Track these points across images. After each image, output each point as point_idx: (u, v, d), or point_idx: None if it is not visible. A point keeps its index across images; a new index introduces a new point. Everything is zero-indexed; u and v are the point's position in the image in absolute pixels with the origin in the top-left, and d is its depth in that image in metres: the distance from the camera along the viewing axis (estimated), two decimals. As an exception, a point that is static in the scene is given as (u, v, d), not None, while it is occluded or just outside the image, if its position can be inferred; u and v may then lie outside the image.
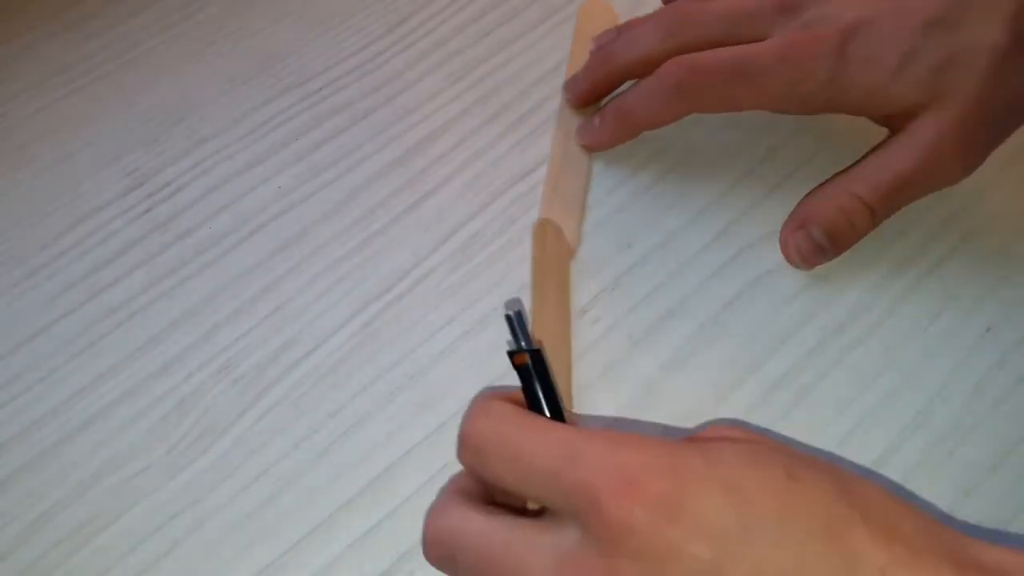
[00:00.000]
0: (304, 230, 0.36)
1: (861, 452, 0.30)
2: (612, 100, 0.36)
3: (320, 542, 0.29)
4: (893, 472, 0.29)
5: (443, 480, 0.30)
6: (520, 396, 0.26)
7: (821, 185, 0.33)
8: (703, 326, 0.33)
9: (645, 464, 0.21)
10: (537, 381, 0.25)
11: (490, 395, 0.25)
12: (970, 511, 0.28)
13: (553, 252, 0.34)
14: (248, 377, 0.32)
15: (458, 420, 0.31)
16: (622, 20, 0.39)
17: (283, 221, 0.36)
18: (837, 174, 0.33)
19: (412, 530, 0.29)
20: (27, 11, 0.44)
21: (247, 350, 0.33)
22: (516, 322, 0.26)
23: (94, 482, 0.30)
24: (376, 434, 0.31)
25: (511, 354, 0.26)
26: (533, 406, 0.25)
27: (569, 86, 0.38)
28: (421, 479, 0.30)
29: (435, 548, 0.23)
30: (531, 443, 0.22)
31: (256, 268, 0.35)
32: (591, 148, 0.37)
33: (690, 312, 0.33)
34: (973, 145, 0.31)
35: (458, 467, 0.30)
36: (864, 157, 0.32)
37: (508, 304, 0.32)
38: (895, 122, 0.32)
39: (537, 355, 0.26)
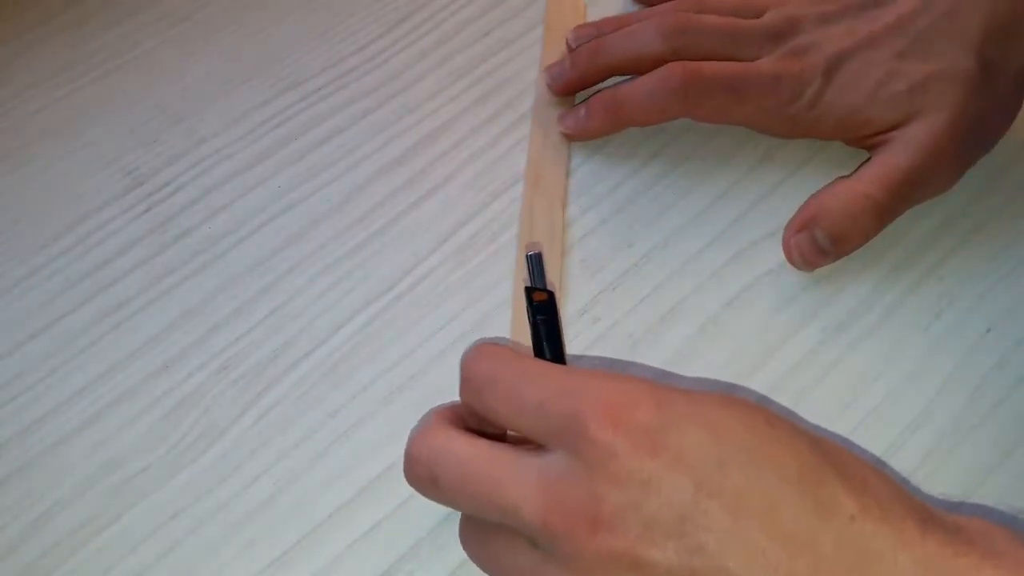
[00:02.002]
0: (304, 230, 0.36)
1: (862, 452, 0.30)
2: (600, 92, 0.36)
3: (320, 542, 0.29)
4: (893, 472, 0.29)
5: (443, 480, 0.30)
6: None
7: (825, 187, 0.33)
8: (703, 326, 0.33)
9: (632, 397, 0.22)
10: (543, 327, 0.27)
11: (490, 341, 0.26)
12: (970, 511, 0.28)
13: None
14: (248, 377, 0.32)
15: (458, 420, 0.31)
16: (589, 11, 0.41)
17: (283, 221, 0.36)
18: (839, 178, 0.33)
19: (412, 530, 0.29)
20: (27, 11, 0.44)
21: (247, 350, 0.33)
22: (536, 263, 0.28)
23: (94, 482, 0.30)
24: (376, 434, 0.31)
25: (529, 291, 0.27)
26: (538, 346, 0.27)
27: (554, 74, 0.38)
28: (421, 479, 0.30)
29: (417, 467, 0.24)
30: (529, 381, 0.23)
31: (255, 268, 0.35)
32: (573, 137, 0.37)
33: (690, 312, 0.33)
34: (963, 147, 0.33)
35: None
36: (863, 164, 0.33)
37: (529, 246, 0.33)
38: (872, 142, 0.34)
39: (551, 298, 0.27)
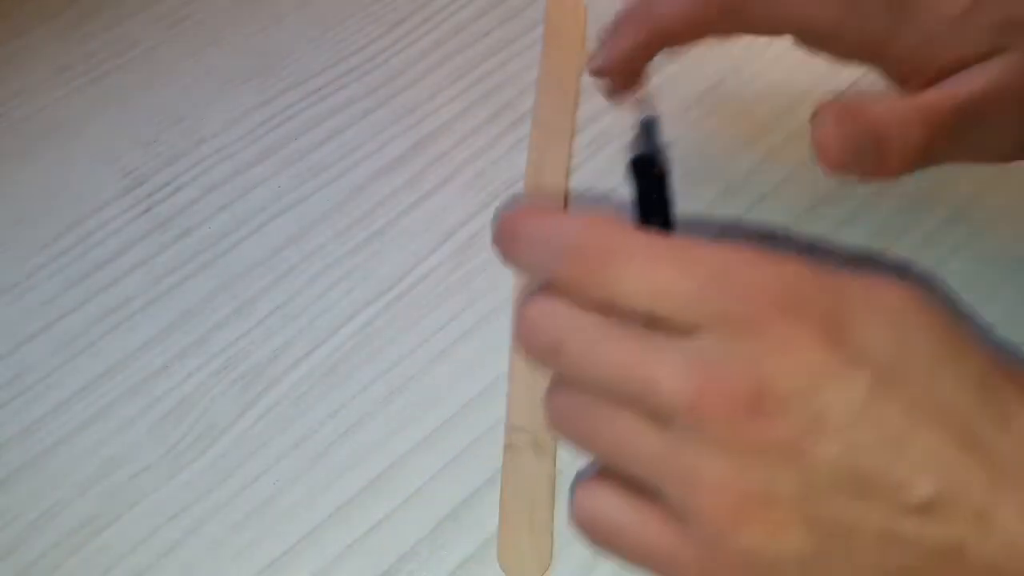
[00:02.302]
0: (303, 230, 0.36)
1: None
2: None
3: (320, 542, 0.29)
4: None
5: (443, 480, 0.30)
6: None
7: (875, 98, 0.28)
8: (703, 326, 0.33)
9: (807, 283, 0.20)
10: (656, 191, 0.24)
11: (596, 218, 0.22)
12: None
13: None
14: (248, 377, 0.32)
15: (458, 420, 0.31)
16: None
17: (282, 221, 0.36)
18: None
19: (412, 530, 0.29)
20: (27, 11, 0.44)
21: (247, 350, 0.33)
22: (651, 127, 0.24)
23: (94, 482, 0.30)
24: (376, 434, 0.31)
25: (638, 160, 0.24)
26: (647, 218, 0.24)
27: (604, 49, 0.30)
28: (421, 479, 0.30)
29: (537, 332, 0.21)
30: (670, 256, 0.20)
31: (256, 268, 0.35)
32: (603, 71, 0.30)
33: (690, 312, 0.33)
34: None
35: (461, 470, 0.30)
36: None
37: (643, 108, 0.27)
38: (936, 76, 0.28)
39: (664, 173, 0.24)
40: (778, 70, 0.38)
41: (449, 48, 0.41)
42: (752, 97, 0.38)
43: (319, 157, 0.38)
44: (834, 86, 0.37)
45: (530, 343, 0.22)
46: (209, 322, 0.34)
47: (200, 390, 0.32)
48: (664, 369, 0.19)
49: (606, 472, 0.22)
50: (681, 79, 0.38)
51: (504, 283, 0.34)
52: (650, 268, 0.20)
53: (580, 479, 0.22)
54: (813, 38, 0.29)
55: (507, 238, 0.22)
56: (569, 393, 0.22)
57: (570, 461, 0.30)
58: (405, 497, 0.30)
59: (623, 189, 0.36)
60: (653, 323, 0.20)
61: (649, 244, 0.21)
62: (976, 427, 0.19)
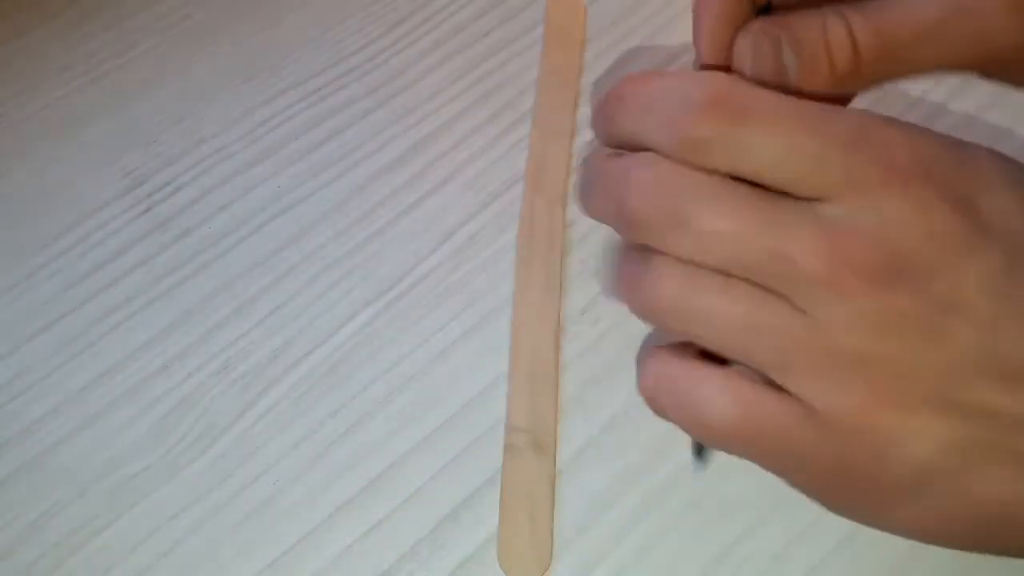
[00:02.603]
0: (303, 230, 0.36)
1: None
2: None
3: (320, 542, 0.29)
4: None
5: (443, 480, 0.30)
6: None
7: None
8: (703, 326, 0.33)
9: (937, 149, 0.19)
10: None
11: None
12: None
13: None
14: (248, 377, 0.32)
15: (458, 420, 0.31)
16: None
17: (282, 221, 0.36)
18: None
19: (412, 530, 0.29)
20: (27, 11, 0.44)
21: (247, 350, 0.33)
22: None
23: (94, 482, 0.30)
24: (376, 434, 0.31)
25: None
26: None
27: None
28: (421, 479, 0.30)
29: (649, 202, 0.20)
30: (795, 115, 0.19)
31: (255, 268, 0.35)
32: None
33: (690, 312, 0.33)
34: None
35: (461, 470, 0.30)
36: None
37: None
38: None
39: None
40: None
41: (449, 48, 0.41)
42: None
43: (319, 157, 0.38)
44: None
45: (642, 211, 0.20)
46: (209, 322, 0.34)
47: (200, 390, 0.32)
48: (796, 241, 0.18)
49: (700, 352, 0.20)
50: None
51: (504, 283, 0.34)
52: (782, 128, 0.19)
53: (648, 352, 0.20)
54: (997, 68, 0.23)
55: (612, 103, 0.21)
56: (678, 271, 0.20)
57: (570, 461, 0.30)
58: (405, 497, 0.30)
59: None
60: (780, 190, 0.19)
61: (780, 104, 0.19)
62: None
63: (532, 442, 0.30)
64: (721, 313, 0.19)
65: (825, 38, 0.22)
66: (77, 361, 0.33)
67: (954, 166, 0.19)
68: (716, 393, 0.20)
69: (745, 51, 0.22)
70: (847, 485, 0.20)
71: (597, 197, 0.22)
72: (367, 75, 0.40)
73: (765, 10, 0.23)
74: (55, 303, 0.35)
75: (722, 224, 0.19)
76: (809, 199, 0.19)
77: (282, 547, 0.29)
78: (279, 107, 0.39)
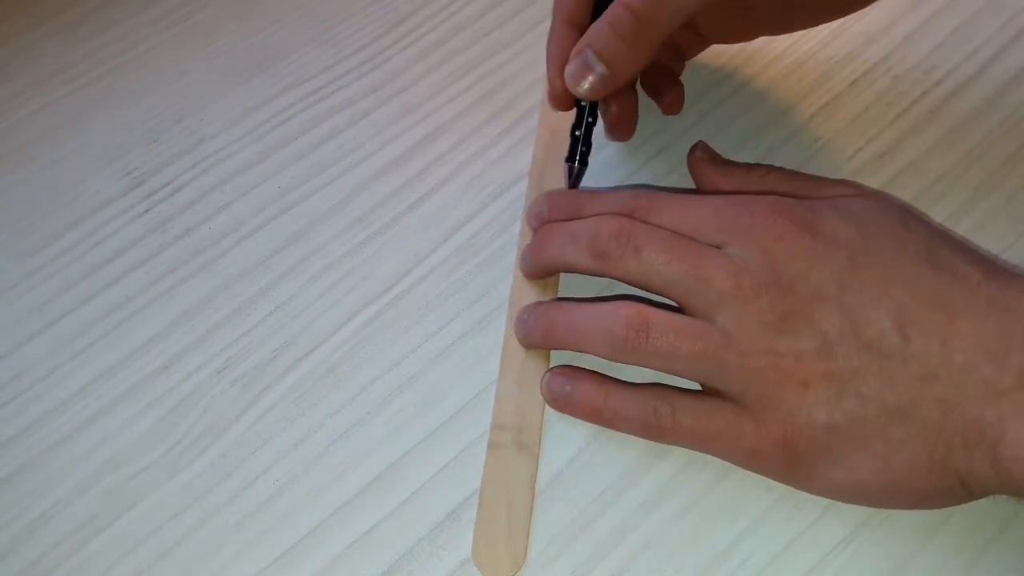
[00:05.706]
0: (304, 230, 0.36)
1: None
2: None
3: (320, 542, 0.29)
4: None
5: (443, 480, 0.30)
6: None
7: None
8: (703, 326, 0.33)
9: (787, 201, 0.28)
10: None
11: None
12: (970, 510, 0.28)
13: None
14: (248, 377, 0.32)
15: (458, 420, 0.31)
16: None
17: (282, 221, 0.36)
18: None
19: (412, 530, 0.29)
20: (27, 11, 0.44)
21: (247, 350, 0.33)
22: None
23: (94, 482, 0.31)
24: (376, 434, 0.31)
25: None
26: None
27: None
28: (421, 479, 0.30)
29: (620, 237, 0.28)
30: (693, 200, 0.29)
31: (255, 268, 0.35)
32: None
33: (690, 312, 0.33)
34: None
35: (461, 470, 0.30)
36: None
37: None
38: None
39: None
40: (775, 69, 0.38)
41: (449, 48, 0.41)
42: (750, 97, 0.38)
43: (319, 157, 0.38)
44: (831, 86, 0.38)
45: (612, 245, 0.28)
46: (209, 322, 0.34)
47: (200, 390, 0.32)
48: (714, 263, 0.27)
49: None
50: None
51: (504, 283, 0.34)
52: (684, 206, 0.29)
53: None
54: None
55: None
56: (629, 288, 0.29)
57: (570, 461, 0.30)
58: (405, 497, 0.30)
59: (630, 182, 0.36)
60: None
61: (678, 196, 0.30)
62: (933, 285, 0.26)
63: (515, 441, 0.30)
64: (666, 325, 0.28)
65: (614, 32, 0.29)
66: (77, 361, 0.33)
67: (798, 206, 0.28)
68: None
69: (569, 75, 0.30)
70: (776, 455, 0.26)
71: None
72: (367, 75, 0.40)
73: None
74: (55, 303, 0.35)
75: (664, 259, 0.28)
76: (716, 245, 0.28)
77: (282, 547, 0.29)
78: (279, 107, 0.39)
